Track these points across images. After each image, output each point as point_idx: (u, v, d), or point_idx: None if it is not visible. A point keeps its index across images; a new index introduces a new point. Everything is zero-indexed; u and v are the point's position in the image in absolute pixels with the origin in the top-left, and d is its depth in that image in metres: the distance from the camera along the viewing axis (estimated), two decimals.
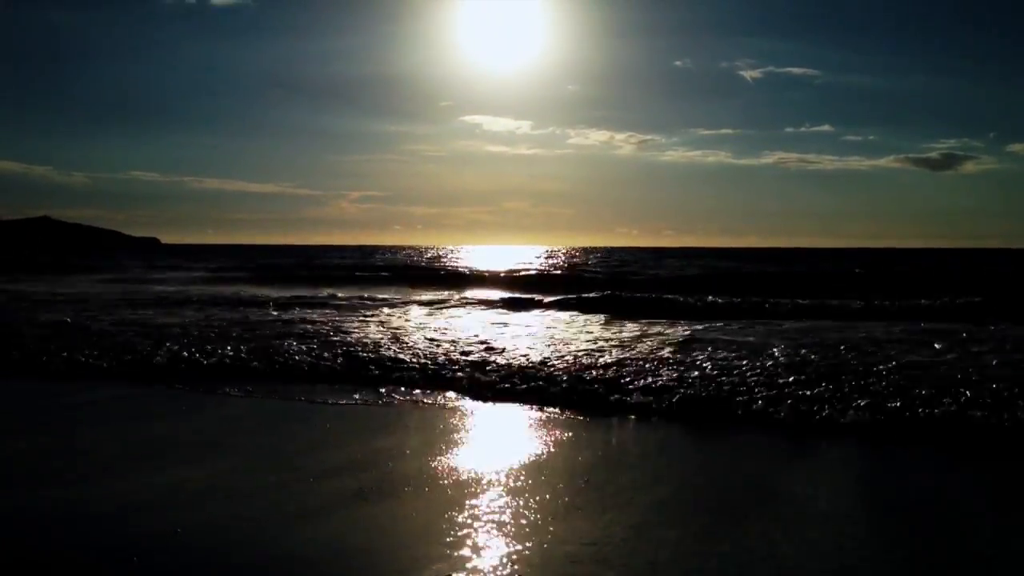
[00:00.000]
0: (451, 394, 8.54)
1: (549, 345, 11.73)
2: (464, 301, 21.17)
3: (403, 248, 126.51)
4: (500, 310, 18.84)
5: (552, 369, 9.28)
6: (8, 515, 4.79)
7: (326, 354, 10.65)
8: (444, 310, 18.67)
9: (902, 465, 6.02)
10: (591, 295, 20.93)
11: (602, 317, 16.46)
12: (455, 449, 6.38)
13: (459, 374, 9.14)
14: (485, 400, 8.23)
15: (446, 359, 10.18)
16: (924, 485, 5.54)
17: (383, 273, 37.98)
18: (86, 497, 5.07)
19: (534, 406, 7.91)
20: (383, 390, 8.73)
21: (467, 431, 7.03)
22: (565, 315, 17.39)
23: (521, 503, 4.99)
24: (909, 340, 12.02)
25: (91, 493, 5.16)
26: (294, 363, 10.06)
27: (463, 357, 10.35)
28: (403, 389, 8.76)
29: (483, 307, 19.52)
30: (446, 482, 5.48)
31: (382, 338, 12.40)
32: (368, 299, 21.38)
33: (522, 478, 5.55)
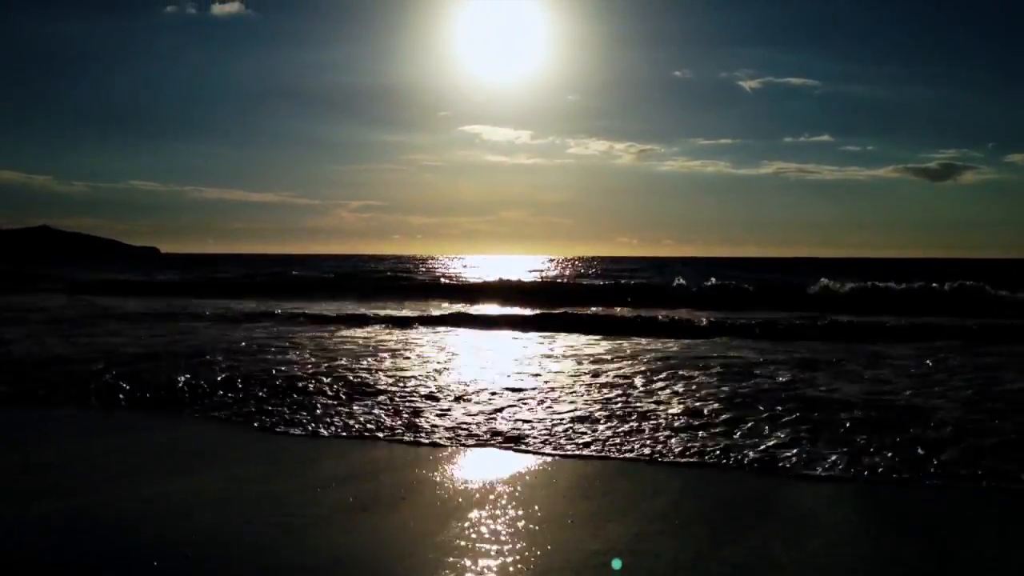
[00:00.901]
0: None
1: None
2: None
3: (401, 258, 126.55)
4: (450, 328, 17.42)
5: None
6: (2, 528, 4.76)
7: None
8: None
9: (899, 480, 5.99)
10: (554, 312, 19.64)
11: (565, 336, 15.60)
12: (454, 461, 6.35)
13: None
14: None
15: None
16: (923, 499, 5.52)
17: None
18: (78, 509, 5.05)
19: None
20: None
21: (466, 444, 6.99)
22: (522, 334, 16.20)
23: (520, 514, 4.98)
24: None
25: (83, 504, 5.14)
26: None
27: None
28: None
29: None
30: (445, 493, 5.46)
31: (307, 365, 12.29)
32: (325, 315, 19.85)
33: (521, 490, 5.54)
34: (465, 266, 68.59)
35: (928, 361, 11.34)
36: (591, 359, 11.83)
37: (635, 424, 7.35)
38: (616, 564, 4.32)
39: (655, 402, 8.32)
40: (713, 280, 27.37)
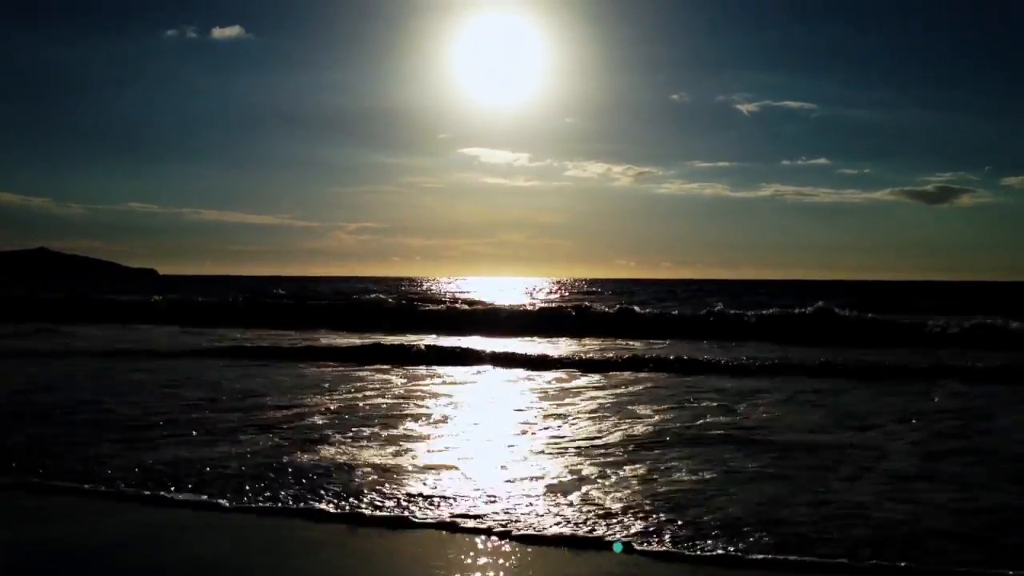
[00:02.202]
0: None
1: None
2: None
3: (400, 280, 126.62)
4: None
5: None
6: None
7: None
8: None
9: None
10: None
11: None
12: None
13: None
14: None
15: None
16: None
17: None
18: (74, 534, 5.03)
19: None
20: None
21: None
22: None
23: (514, 540, 4.96)
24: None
25: (79, 530, 5.13)
26: None
27: None
28: None
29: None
30: (439, 517, 5.41)
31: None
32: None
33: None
34: (451, 289, 68.24)
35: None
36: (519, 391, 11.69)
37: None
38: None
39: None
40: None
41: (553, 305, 30.15)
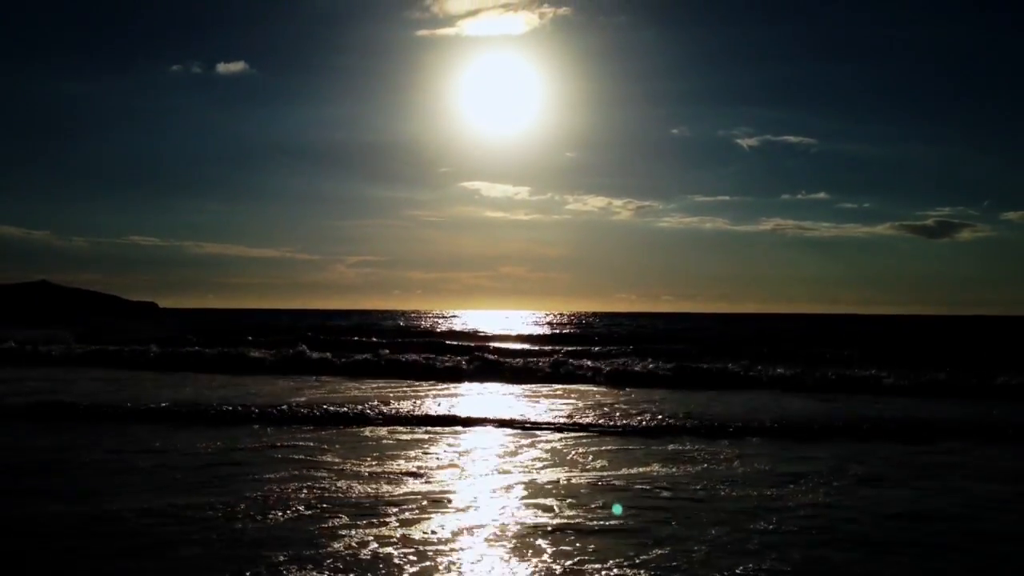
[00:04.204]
0: None
1: None
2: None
3: (400, 313, 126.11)
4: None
5: None
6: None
7: None
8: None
9: None
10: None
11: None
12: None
13: None
14: None
15: None
16: None
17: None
18: None
19: None
20: None
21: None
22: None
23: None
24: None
25: None
26: None
27: None
28: None
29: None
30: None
31: None
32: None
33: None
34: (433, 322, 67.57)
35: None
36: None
37: None
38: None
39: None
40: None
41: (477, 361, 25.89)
